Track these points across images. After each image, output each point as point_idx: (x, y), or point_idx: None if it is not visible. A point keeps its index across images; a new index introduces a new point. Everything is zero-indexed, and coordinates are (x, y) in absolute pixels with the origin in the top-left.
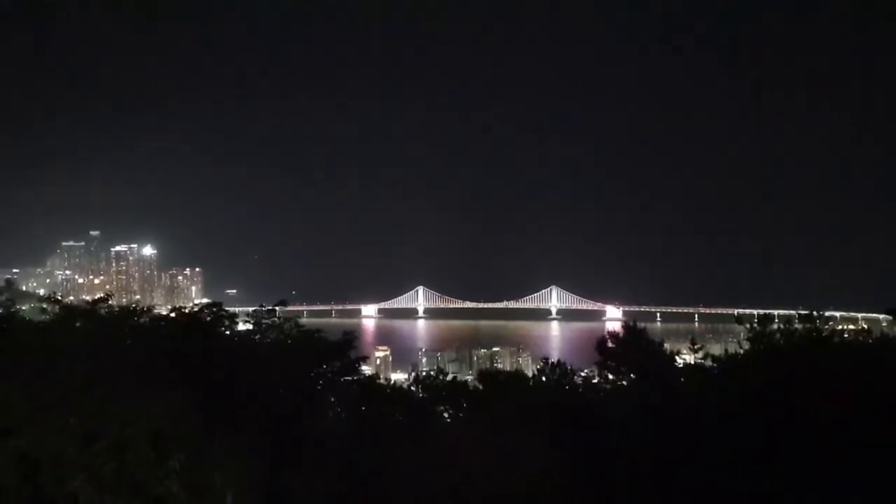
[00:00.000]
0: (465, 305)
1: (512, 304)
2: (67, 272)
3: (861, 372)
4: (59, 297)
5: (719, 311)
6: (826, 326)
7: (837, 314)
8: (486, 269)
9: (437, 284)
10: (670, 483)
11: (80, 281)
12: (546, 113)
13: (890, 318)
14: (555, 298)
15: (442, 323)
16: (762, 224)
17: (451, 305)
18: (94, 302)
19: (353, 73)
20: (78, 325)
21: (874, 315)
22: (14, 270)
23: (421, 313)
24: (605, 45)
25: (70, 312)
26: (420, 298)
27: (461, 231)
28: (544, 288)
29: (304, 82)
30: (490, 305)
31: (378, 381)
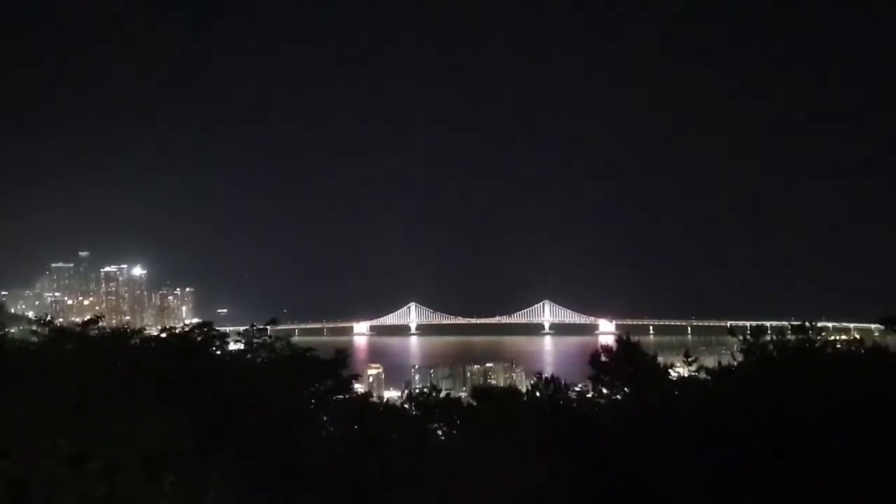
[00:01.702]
0: (458, 321)
1: (505, 320)
2: (57, 294)
3: (854, 381)
4: (49, 319)
5: (712, 323)
6: (818, 337)
7: (830, 325)
8: (479, 285)
9: (429, 300)
10: (667, 496)
11: (70, 302)
12: (538, 123)
13: (882, 327)
14: (547, 313)
15: (435, 339)
16: (754, 235)
17: (444, 321)
18: (85, 323)
19: (344, 89)
20: (68, 347)
21: (866, 325)
22: (3, 293)
23: (413, 330)
24: (596, 52)
25: (60, 334)
26: (412, 315)
27: (453, 246)
28: (537, 302)
29: (294, 98)
30: (483, 321)
31: (371, 398)
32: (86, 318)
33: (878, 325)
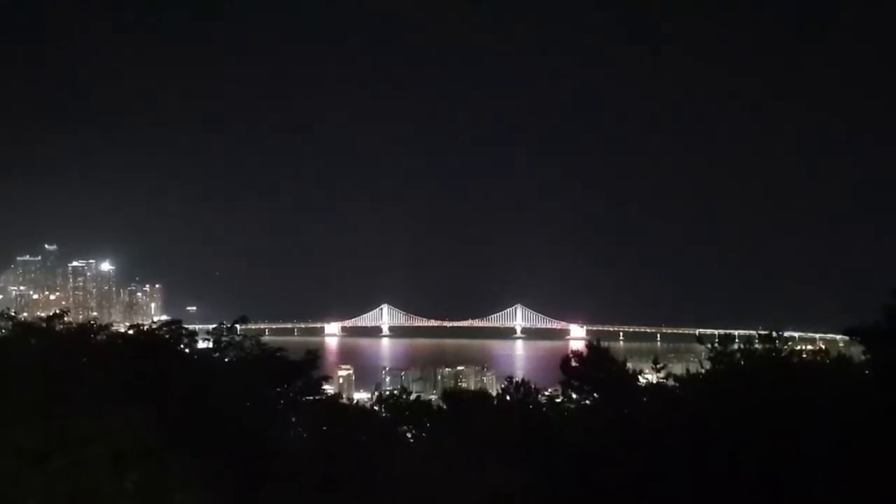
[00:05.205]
0: (431, 324)
1: (477, 323)
2: (22, 287)
3: (819, 390)
4: (13, 314)
5: (682, 330)
6: (785, 346)
7: (796, 334)
8: (452, 288)
9: (401, 302)
10: (634, 499)
11: (35, 297)
12: (513, 126)
13: (847, 338)
14: (519, 317)
15: (406, 341)
16: (723, 245)
17: (416, 324)
18: (50, 318)
19: (315, 90)
20: (32, 342)
21: (832, 336)
22: None
23: (385, 332)
24: (575, 53)
25: (25, 329)
26: (384, 317)
27: (426, 249)
28: (509, 307)
29: (265, 98)
30: (455, 324)
31: (341, 400)
32: (51, 313)
33: (843, 336)
